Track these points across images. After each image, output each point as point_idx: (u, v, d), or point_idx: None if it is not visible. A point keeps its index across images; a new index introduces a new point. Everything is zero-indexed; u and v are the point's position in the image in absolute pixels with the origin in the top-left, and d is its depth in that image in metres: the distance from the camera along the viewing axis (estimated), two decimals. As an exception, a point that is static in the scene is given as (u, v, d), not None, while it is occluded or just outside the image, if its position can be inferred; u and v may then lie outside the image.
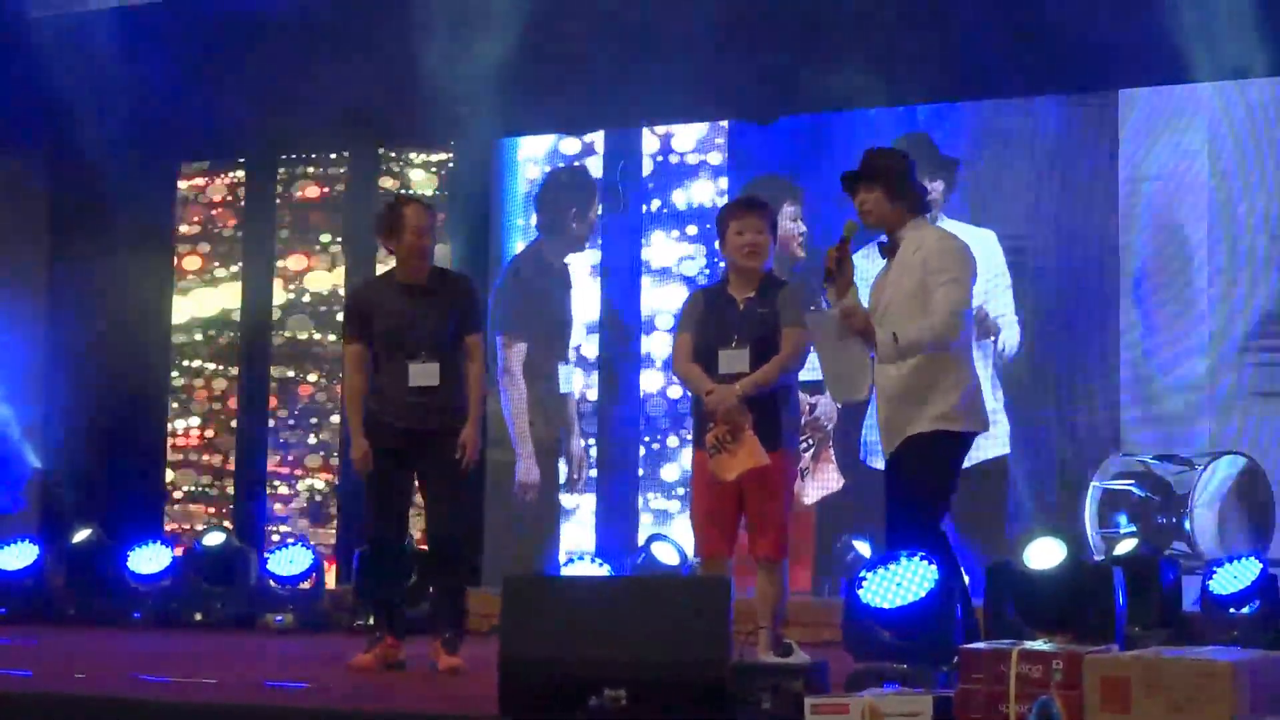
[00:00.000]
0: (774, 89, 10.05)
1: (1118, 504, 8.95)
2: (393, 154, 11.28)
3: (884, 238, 6.06)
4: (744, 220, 6.35)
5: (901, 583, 5.90)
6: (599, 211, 10.66)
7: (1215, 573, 7.88)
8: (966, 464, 6.09)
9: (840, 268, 5.87)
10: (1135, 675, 4.48)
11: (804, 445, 9.74)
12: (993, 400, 8.98)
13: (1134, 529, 8.73)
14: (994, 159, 9.72)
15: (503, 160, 10.91)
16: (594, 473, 10.51)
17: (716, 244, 6.55)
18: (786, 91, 10.02)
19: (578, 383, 10.61)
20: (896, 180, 5.95)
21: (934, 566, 5.85)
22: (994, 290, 9.44)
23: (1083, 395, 9.44)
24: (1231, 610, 7.73)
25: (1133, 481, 8.97)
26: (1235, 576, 7.82)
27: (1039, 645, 4.88)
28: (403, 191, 10.77)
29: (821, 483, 9.96)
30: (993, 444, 9.10)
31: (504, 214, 10.88)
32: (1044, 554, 7.25)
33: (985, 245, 9.32)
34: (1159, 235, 9.38)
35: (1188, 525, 8.71)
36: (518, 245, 10.86)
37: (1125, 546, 8.01)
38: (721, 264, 6.86)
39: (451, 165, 11.11)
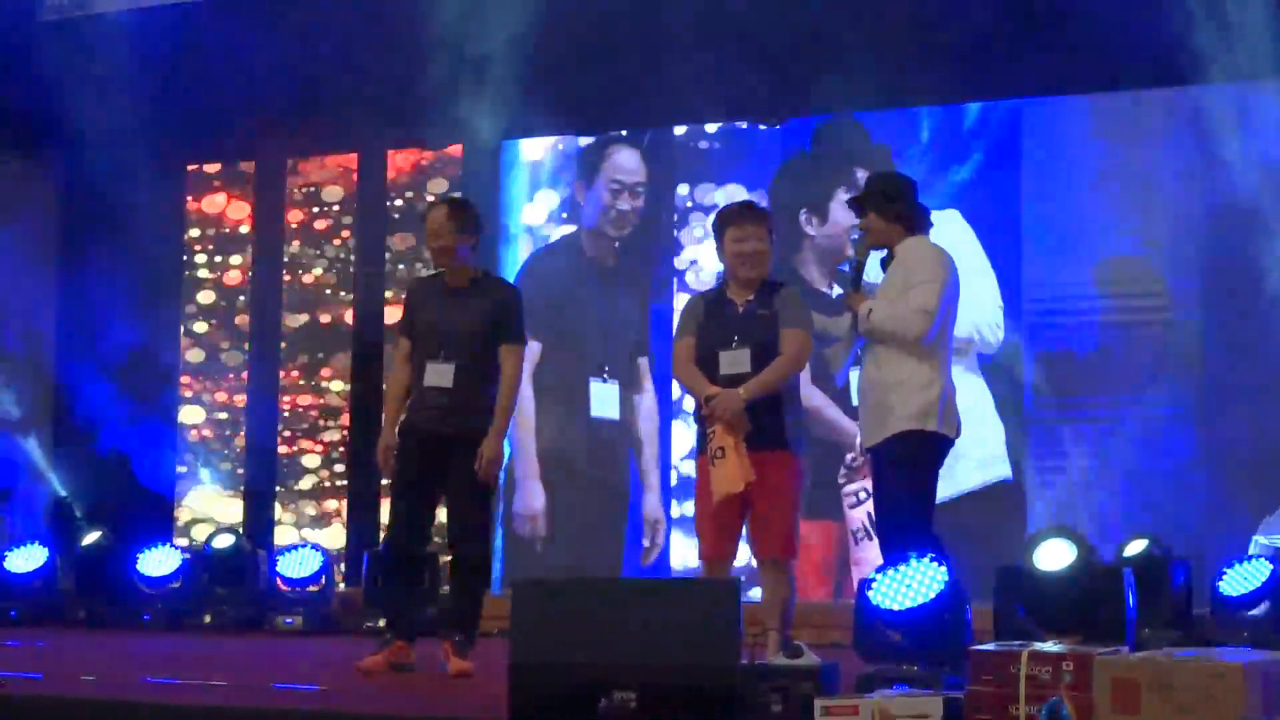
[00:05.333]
0: (783, 90, 10.04)
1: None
2: (401, 155, 11.31)
3: (886, 253, 6.32)
4: (744, 228, 6.31)
5: (911, 585, 5.90)
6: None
7: (1225, 574, 7.88)
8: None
9: (856, 280, 6.33)
10: (1145, 677, 4.47)
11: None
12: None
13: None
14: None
15: (508, 161, 10.91)
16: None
17: (714, 247, 6.50)
18: (795, 92, 10.01)
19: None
20: (887, 204, 6.26)
21: (944, 569, 5.85)
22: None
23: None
24: (1242, 612, 7.73)
25: None
26: (1245, 578, 7.82)
27: (1049, 646, 4.88)
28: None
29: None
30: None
31: (504, 216, 10.83)
32: (1054, 555, 7.24)
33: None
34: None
35: None
36: (522, 249, 10.85)
37: (1136, 548, 7.99)
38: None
39: (461, 164, 11.13)
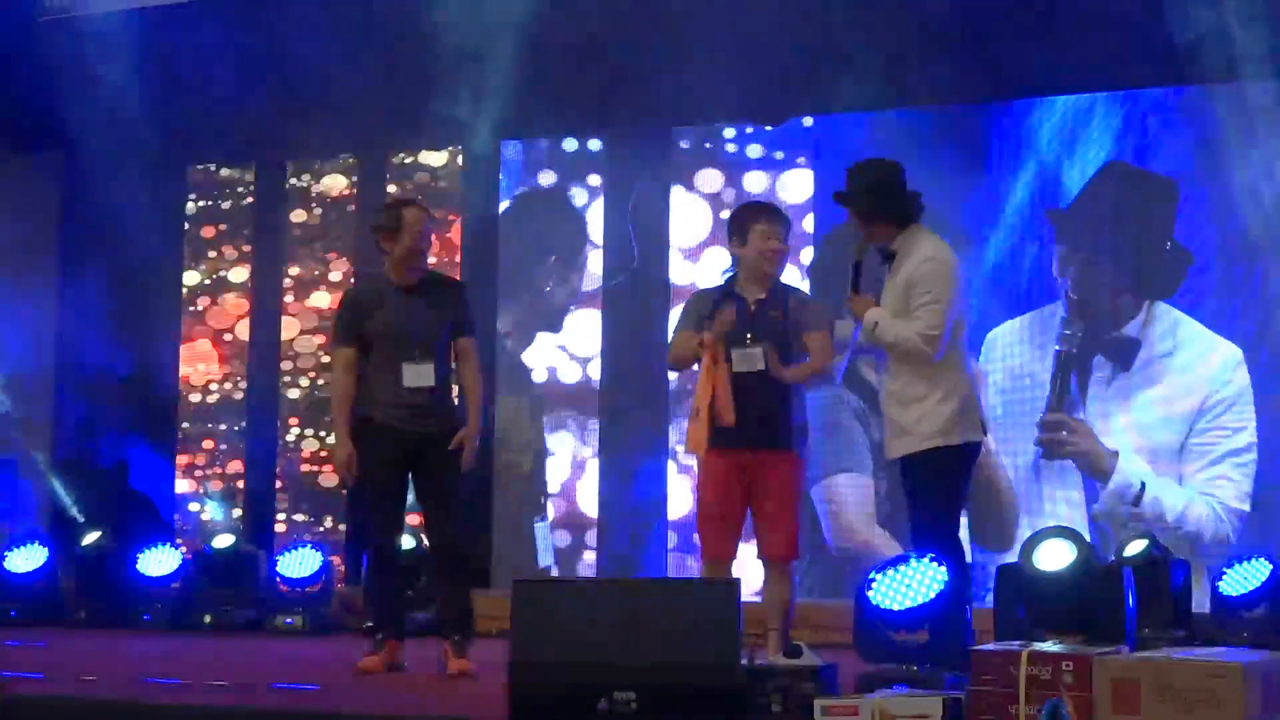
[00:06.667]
0: (784, 90, 10.03)
1: None
2: (401, 156, 11.30)
3: (885, 249, 6.18)
4: (773, 226, 6.30)
5: (911, 584, 5.90)
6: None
7: (1226, 574, 7.87)
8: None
9: (856, 287, 6.13)
10: (1145, 677, 4.47)
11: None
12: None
13: None
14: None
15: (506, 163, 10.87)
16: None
17: (730, 241, 6.44)
18: (795, 92, 10.01)
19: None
20: (871, 198, 6.09)
21: (944, 568, 5.85)
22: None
23: None
24: (1243, 612, 7.72)
25: None
26: (1245, 578, 7.81)
27: (1049, 647, 4.88)
28: (402, 193, 10.71)
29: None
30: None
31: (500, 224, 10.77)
32: (1054, 555, 7.23)
33: None
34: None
35: None
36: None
37: (1135, 548, 7.98)
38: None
39: (460, 167, 11.12)
